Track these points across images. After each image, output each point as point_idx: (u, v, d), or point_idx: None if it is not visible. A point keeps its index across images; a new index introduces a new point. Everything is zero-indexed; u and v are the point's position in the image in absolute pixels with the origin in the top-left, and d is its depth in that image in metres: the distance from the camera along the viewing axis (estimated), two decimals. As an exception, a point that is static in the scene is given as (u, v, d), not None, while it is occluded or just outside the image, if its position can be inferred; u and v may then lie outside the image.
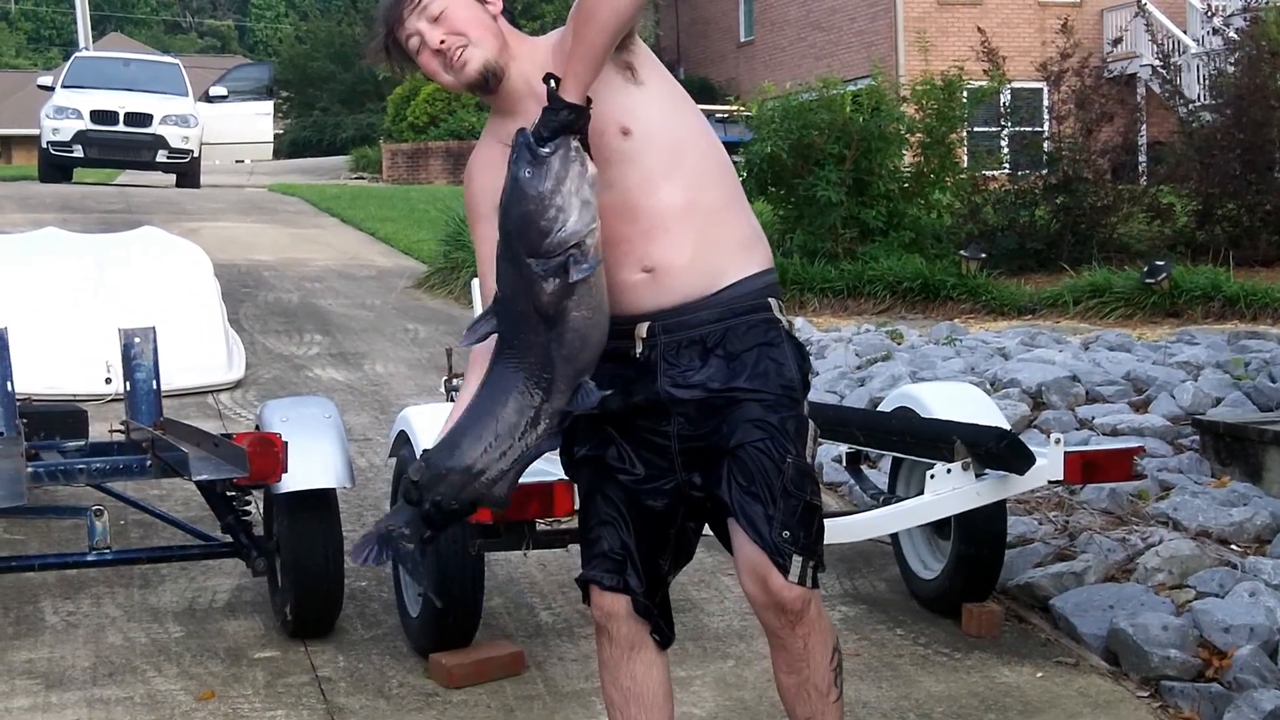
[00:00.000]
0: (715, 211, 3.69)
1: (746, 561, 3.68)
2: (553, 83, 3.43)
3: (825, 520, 3.79)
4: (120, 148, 27.63)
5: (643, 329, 3.70)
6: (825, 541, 3.81)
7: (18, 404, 6.64)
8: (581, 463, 3.86)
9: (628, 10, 3.45)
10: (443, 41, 3.65)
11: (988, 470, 5.60)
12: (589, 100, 3.45)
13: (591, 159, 3.44)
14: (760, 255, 3.75)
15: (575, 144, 3.41)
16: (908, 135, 16.14)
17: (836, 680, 3.77)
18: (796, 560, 3.64)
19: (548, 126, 3.41)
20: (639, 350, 3.72)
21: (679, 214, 3.63)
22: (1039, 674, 5.58)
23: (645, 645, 3.87)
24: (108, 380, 9.13)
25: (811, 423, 3.73)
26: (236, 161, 33.55)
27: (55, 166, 27.50)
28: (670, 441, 3.74)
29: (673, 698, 4.01)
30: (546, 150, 3.39)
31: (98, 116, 27.15)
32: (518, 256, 3.41)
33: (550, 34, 3.79)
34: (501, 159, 3.51)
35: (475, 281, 7.47)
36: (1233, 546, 6.63)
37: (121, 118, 27.31)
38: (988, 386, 9.17)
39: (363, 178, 34.71)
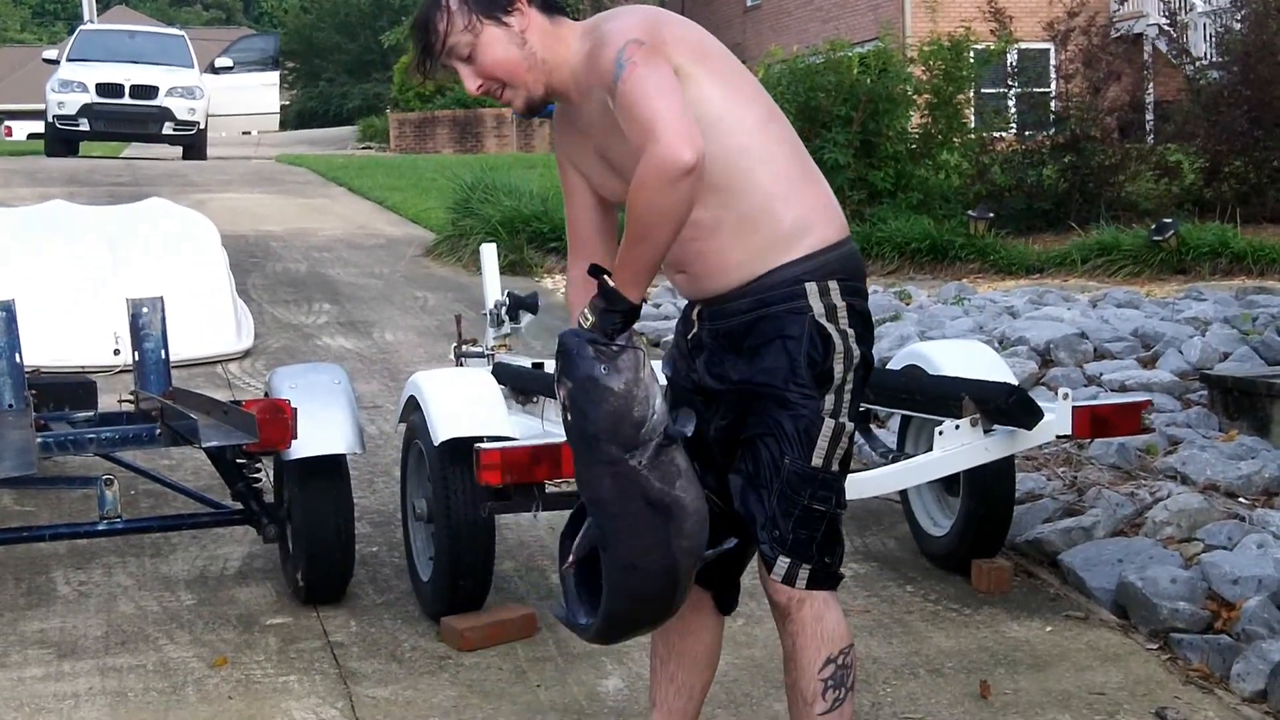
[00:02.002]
0: (747, 218, 3.61)
1: (757, 549, 3.73)
2: (607, 279, 3.42)
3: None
4: (126, 120, 27.56)
5: (694, 310, 3.77)
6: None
7: (27, 376, 6.65)
8: None
9: (679, 225, 3.39)
10: (480, 86, 3.64)
11: (996, 426, 5.61)
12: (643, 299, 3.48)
13: None
14: (808, 240, 3.63)
15: (635, 330, 3.47)
16: (915, 97, 16.14)
17: (826, 693, 3.70)
18: (784, 561, 3.66)
19: (610, 327, 3.41)
20: (695, 330, 3.78)
21: (707, 230, 3.59)
22: (1048, 628, 5.60)
23: (703, 609, 3.93)
24: (116, 351, 9.14)
25: (834, 421, 3.65)
26: (243, 133, 33.48)
27: (61, 140, 27.46)
28: (709, 427, 3.77)
29: (716, 663, 4.06)
30: (618, 345, 3.40)
31: (103, 90, 27.08)
32: (612, 457, 3.41)
33: (580, 25, 3.71)
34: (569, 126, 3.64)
35: (484, 247, 7.51)
36: (1241, 499, 6.64)
37: (127, 90, 27.23)
38: (996, 345, 9.19)
39: (370, 148, 34.71)
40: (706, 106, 3.52)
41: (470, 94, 3.69)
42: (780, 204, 3.61)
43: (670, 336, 4.20)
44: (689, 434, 3.51)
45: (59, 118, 27.25)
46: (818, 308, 3.62)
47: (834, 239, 3.67)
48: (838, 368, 3.64)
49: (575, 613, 3.69)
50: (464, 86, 3.68)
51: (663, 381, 3.56)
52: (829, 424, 3.63)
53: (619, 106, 3.41)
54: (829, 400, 3.63)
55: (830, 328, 3.63)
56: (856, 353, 3.67)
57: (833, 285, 3.64)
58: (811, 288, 3.62)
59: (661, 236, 3.35)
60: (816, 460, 3.63)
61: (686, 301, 3.87)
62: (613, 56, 3.43)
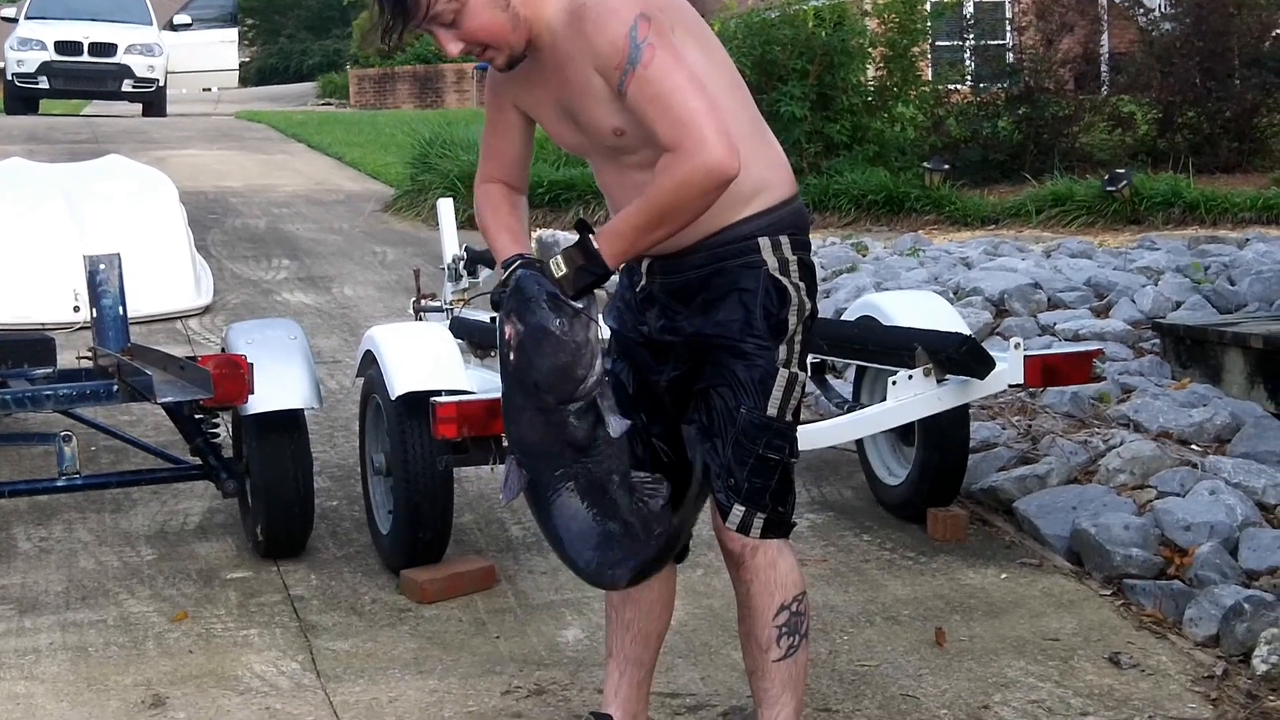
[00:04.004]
0: None
1: (710, 497, 3.78)
2: (591, 238, 3.48)
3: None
4: (85, 78, 27.41)
5: (645, 263, 3.78)
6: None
7: (-15, 333, 6.65)
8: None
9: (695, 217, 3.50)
10: (462, 48, 3.60)
11: (949, 376, 5.66)
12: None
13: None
14: (764, 198, 3.68)
15: (598, 292, 3.51)
16: (871, 50, 16.12)
17: (781, 639, 3.78)
18: (739, 509, 3.72)
19: (581, 284, 3.47)
20: (642, 283, 3.81)
21: None
22: (1003, 575, 5.66)
23: None
24: (75, 308, 9.16)
25: (787, 371, 3.72)
26: (203, 90, 33.29)
27: (21, 99, 27.28)
28: (661, 379, 3.82)
29: (671, 609, 4.12)
30: (581, 305, 3.45)
31: (62, 47, 26.90)
32: (546, 406, 3.47)
33: None
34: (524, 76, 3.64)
35: (442, 202, 7.52)
36: (1193, 447, 6.70)
37: (86, 48, 27.06)
38: (951, 296, 9.22)
39: (330, 104, 34.55)
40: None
41: (449, 56, 3.65)
42: (742, 168, 3.64)
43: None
44: (617, 434, 3.55)
45: (18, 75, 27.08)
46: (771, 262, 3.69)
47: (785, 195, 3.73)
48: (791, 319, 3.71)
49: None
50: (443, 50, 3.63)
51: (606, 334, 3.59)
52: (783, 374, 3.70)
53: (639, 91, 3.43)
54: (782, 351, 3.70)
55: (784, 280, 3.70)
56: (808, 305, 3.75)
57: (784, 240, 3.70)
58: (764, 242, 3.68)
59: (677, 228, 3.49)
60: (772, 410, 3.69)
61: None
62: (624, 34, 3.43)
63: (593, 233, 3.51)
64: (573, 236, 3.78)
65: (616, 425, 3.53)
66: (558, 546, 3.67)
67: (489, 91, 3.93)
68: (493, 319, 6.61)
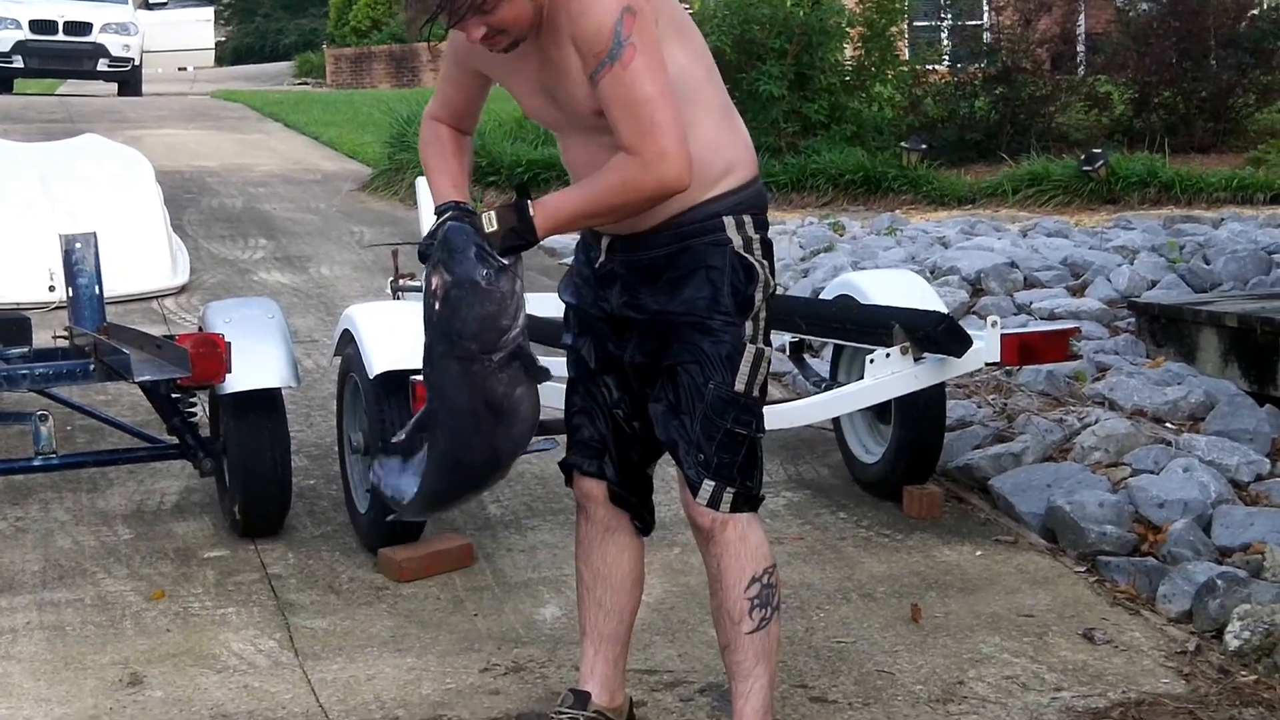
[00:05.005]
0: None
1: (677, 473, 3.83)
2: (529, 204, 3.54)
3: (769, 411, 3.86)
4: (60, 57, 27.30)
5: (605, 241, 3.81)
6: (769, 428, 3.89)
7: (-40, 313, 6.63)
8: (567, 353, 4.00)
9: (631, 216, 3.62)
10: (485, 35, 3.58)
11: (926, 354, 5.67)
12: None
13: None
14: (730, 178, 3.74)
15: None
16: (849, 29, 16.12)
17: (753, 612, 3.82)
18: (709, 484, 3.76)
19: (506, 244, 3.54)
20: (601, 260, 3.83)
21: None
22: (979, 552, 5.68)
23: (621, 529, 4.02)
24: (51, 288, 9.11)
25: (753, 347, 3.77)
26: (179, 69, 33.14)
27: (-5, 79, 27.21)
28: (624, 354, 3.85)
29: (642, 584, 4.15)
30: (509, 261, 3.52)
31: (37, 26, 26.78)
32: (468, 354, 3.53)
33: None
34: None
35: (420, 181, 7.51)
36: (1167, 425, 6.74)
37: (61, 27, 26.94)
38: (928, 275, 9.25)
39: (306, 83, 34.43)
40: (674, 72, 3.59)
41: (471, 40, 3.60)
42: (713, 151, 3.71)
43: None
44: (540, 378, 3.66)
45: (-8, 55, 26.98)
46: (737, 240, 3.75)
47: (750, 176, 3.80)
48: (758, 296, 3.77)
49: (399, 486, 3.83)
50: (466, 35, 3.60)
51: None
52: (750, 349, 3.76)
53: (612, 88, 3.49)
54: (749, 327, 3.76)
55: (750, 258, 3.77)
56: (772, 282, 3.83)
57: (746, 219, 3.77)
58: (729, 221, 3.75)
59: (611, 221, 3.65)
60: (739, 385, 3.74)
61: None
62: (609, 25, 3.47)
63: (530, 198, 3.57)
64: None
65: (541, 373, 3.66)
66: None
67: (453, 50, 3.93)
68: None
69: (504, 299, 3.51)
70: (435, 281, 3.56)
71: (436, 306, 3.57)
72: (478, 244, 3.51)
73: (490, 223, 3.55)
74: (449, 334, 3.56)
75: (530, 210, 3.55)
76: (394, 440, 3.91)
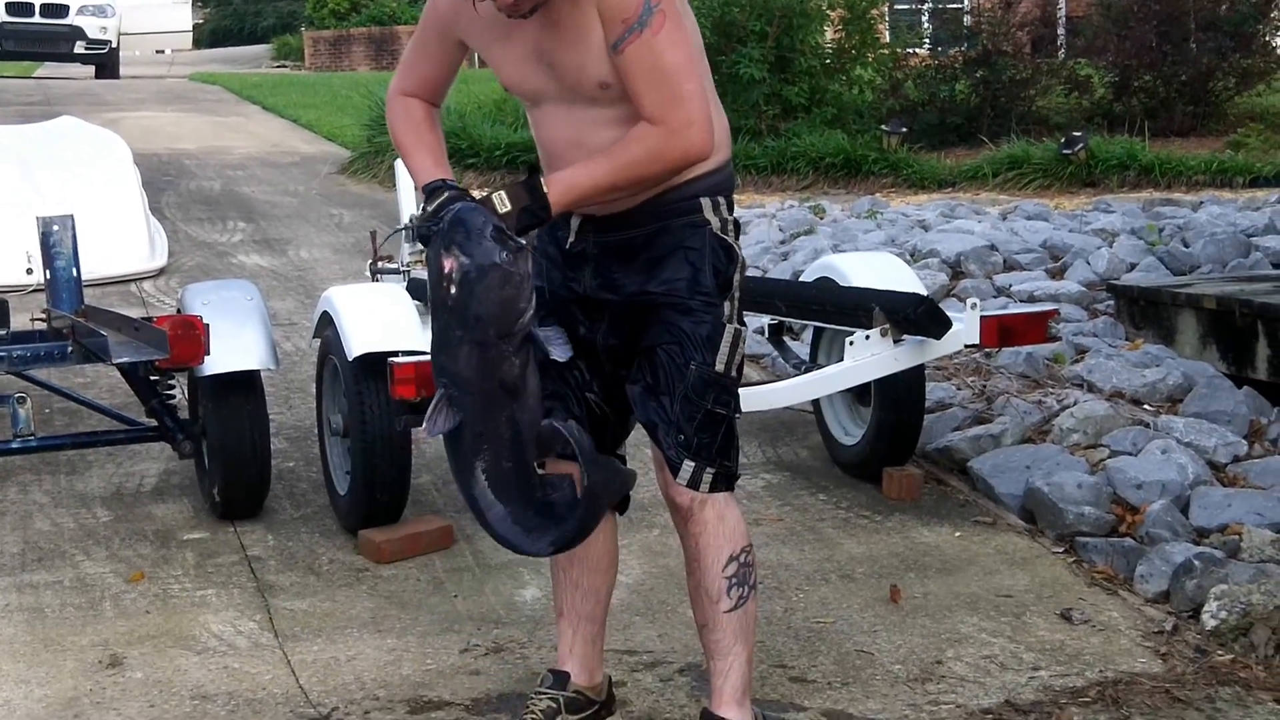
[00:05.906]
0: None
1: (654, 454, 3.82)
2: (541, 181, 3.52)
3: (749, 393, 3.86)
4: (37, 40, 27.24)
5: (575, 221, 3.79)
6: (749, 410, 3.89)
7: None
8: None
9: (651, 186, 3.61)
10: (515, 3, 3.54)
11: (905, 336, 5.68)
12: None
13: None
14: (710, 161, 3.73)
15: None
16: (829, 11, 16.12)
17: (731, 590, 3.82)
18: (689, 464, 3.75)
19: (522, 223, 3.50)
20: (571, 240, 3.82)
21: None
22: (957, 534, 5.69)
23: None
24: (29, 270, 9.11)
25: (732, 327, 3.78)
26: (156, 52, 33.09)
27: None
28: (595, 336, 3.85)
29: (616, 564, 4.16)
30: (519, 243, 3.46)
31: (13, 9, 26.72)
32: (487, 339, 3.47)
33: None
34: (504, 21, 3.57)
35: (399, 163, 7.49)
36: (1145, 406, 6.75)
37: (37, 9, 26.89)
38: (908, 257, 9.26)
39: (284, 66, 34.31)
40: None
41: (501, 7, 3.53)
42: None
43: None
44: (561, 359, 3.61)
45: (-32, 38, 26.90)
46: (714, 221, 3.77)
47: (726, 158, 3.83)
48: (736, 276, 3.80)
49: (539, 547, 3.72)
50: (499, 3, 3.54)
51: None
52: (729, 329, 3.77)
53: (639, 56, 3.49)
54: (726, 307, 3.77)
55: (728, 239, 3.79)
56: (746, 263, 3.87)
57: (721, 200, 3.79)
58: (706, 203, 3.76)
59: (629, 193, 3.62)
60: (720, 365, 3.75)
61: None
62: None
63: (540, 175, 3.55)
64: None
65: (561, 353, 3.59)
66: (479, 514, 3.67)
67: (434, 20, 3.90)
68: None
69: (522, 281, 3.46)
70: (449, 265, 3.45)
71: (453, 290, 3.46)
72: (496, 225, 3.45)
73: (502, 203, 3.51)
74: (466, 318, 3.47)
75: (544, 187, 3.53)
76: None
